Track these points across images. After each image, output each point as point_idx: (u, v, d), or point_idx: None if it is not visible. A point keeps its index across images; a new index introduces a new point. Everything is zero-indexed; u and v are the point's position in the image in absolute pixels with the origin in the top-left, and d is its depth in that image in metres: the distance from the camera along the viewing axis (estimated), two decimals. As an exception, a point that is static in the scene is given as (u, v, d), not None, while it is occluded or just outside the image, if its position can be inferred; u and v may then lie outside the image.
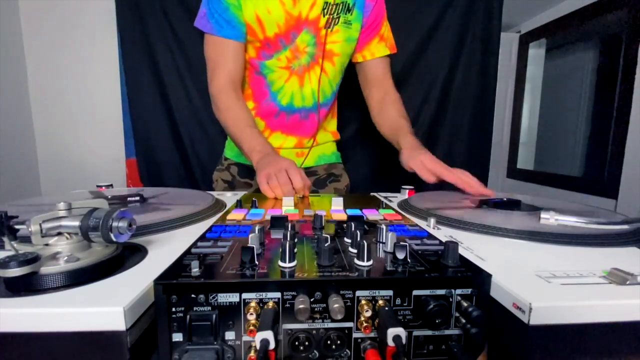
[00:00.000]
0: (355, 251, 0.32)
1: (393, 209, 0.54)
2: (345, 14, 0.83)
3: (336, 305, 0.26)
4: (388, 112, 0.90)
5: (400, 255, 0.30)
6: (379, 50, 0.90)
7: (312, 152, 0.95)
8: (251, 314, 0.26)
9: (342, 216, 0.49)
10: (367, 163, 1.35)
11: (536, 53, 2.44)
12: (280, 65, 0.84)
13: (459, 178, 0.67)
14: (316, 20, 0.80)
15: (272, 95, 0.87)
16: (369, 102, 0.95)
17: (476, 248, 0.37)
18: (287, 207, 0.55)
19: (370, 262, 0.30)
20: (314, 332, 0.27)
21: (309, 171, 0.96)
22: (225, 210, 0.54)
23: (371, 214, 0.50)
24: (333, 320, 0.27)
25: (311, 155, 0.96)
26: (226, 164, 0.97)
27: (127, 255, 0.34)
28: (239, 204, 0.55)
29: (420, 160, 0.71)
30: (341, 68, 0.91)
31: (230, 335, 0.27)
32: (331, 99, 0.93)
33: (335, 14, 0.81)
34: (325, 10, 0.80)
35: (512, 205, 0.57)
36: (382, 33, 0.89)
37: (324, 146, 0.99)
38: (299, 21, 0.79)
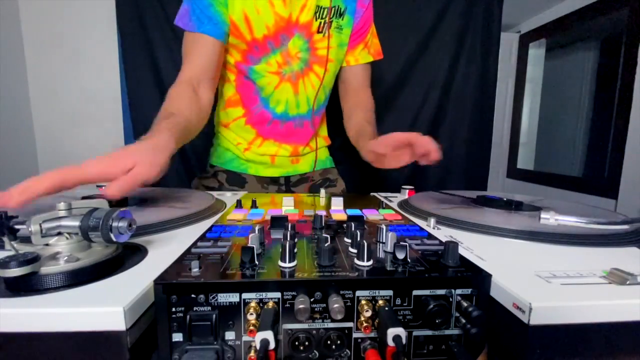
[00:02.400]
0: (355, 251, 0.32)
1: (393, 209, 0.54)
2: (337, 18, 0.81)
3: (336, 305, 0.26)
4: (355, 117, 0.88)
5: (400, 255, 0.30)
6: (362, 57, 0.88)
7: (307, 158, 0.94)
8: (251, 314, 0.26)
9: (342, 216, 0.49)
10: (367, 163, 1.35)
11: (536, 53, 2.44)
12: (270, 70, 0.80)
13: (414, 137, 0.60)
14: (309, 25, 0.78)
15: (263, 101, 0.84)
16: (343, 108, 0.93)
17: (476, 248, 0.37)
18: (287, 207, 0.55)
19: (370, 262, 0.30)
20: (314, 332, 0.27)
21: (304, 176, 0.95)
22: (225, 210, 0.54)
23: (371, 214, 0.50)
24: (333, 320, 0.27)
25: (306, 162, 0.94)
26: (212, 171, 0.93)
27: (127, 255, 0.34)
28: (239, 204, 0.55)
29: (371, 148, 0.66)
30: (333, 74, 0.89)
31: (230, 335, 0.27)
32: (324, 105, 0.92)
33: (328, 18, 0.79)
34: (318, 14, 0.77)
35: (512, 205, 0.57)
36: (367, 40, 0.88)
37: (319, 152, 0.97)
38: (289, 24, 0.76)
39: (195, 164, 1.33)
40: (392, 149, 0.63)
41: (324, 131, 1.00)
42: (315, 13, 0.77)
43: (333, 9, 0.79)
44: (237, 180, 0.91)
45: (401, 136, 0.62)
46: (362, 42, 0.87)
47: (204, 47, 0.75)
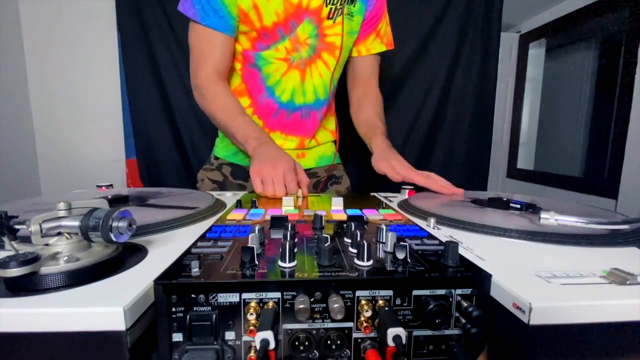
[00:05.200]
0: (355, 251, 0.32)
1: (393, 209, 0.54)
2: (349, 5, 0.80)
3: (336, 305, 0.26)
4: (365, 110, 0.88)
5: (400, 255, 0.30)
6: (374, 46, 0.87)
7: (313, 152, 0.93)
8: (251, 314, 0.26)
9: (342, 216, 0.49)
10: (368, 163, 1.35)
11: (536, 53, 2.44)
12: (278, 56, 0.79)
13: (430, 178, 0.70)
14: (318, 10, 0.76)
15: (269, 90, 0.83)
16: (350, 98, 0.94)
17: (476, 248, 0.37)
18: (287, 207, 0.55)
19: (370, 262, 0.30)
20: (314, 332, 0.27)
21: (309, 172, 0.93)
22: (225, 210, 0.54)
23: (371, 214, 0.50)
24: (333, 320, 0.27)
25: (311, 156, 0.93)
26: (217, 163, 0.91)
27: (127, 255, 0.34)
28: (239, 204, 0.55)
29: (391, 165, 0.72)
30: (343, 62, 0.87)
31: (230, 335, 0.27)
32: (331, 95, 0.90)
33: (339, 4, 0.78)
34: (328, 0, 0.76)
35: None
36: (379, 29, 0.87)
37: (325, 146, 0.95)
38: (299, 9, 0.75)
39: (194, 160, 1.33)
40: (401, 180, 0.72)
41: (331, 124, 0.98)
42: None
43: None
44: (241, 174, 0.90)
45: (419, 180, 0.70)
46: (374, 31, 0.86)
47: (219, 44, 0.75)
